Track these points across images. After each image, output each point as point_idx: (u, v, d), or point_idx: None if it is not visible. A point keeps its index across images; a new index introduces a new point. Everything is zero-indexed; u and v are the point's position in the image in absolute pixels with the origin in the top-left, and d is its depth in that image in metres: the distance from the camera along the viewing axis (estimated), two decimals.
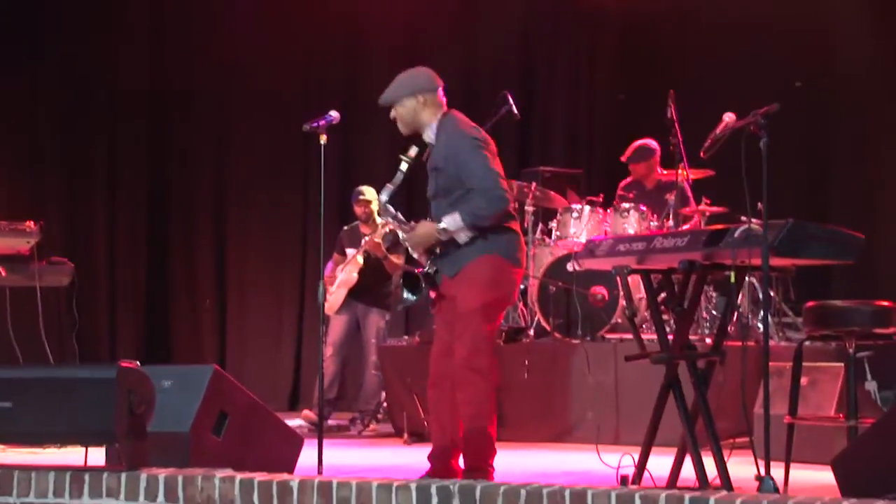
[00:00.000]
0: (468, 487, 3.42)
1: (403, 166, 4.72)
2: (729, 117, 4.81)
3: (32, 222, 6.96)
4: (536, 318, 7.65)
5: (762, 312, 7.46)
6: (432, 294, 4.73)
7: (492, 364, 4.67)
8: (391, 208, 4.84)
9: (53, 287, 7.24)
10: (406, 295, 4.74)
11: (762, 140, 4.08)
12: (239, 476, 3.81)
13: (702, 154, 4.79)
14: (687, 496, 3.17)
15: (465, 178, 4.64)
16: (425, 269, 4.70)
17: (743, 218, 4.17)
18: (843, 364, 5.83)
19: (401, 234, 4.97)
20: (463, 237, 4.65)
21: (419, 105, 4.73)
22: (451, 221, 4.62)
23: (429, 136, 4.80)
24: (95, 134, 10.01)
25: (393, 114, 4.78)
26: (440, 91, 4.81)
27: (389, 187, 4.75)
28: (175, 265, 10.27)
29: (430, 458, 4.80)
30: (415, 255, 4.84)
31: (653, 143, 8.04)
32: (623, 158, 8.11)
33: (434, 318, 4.96)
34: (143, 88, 10.12)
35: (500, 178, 4.66)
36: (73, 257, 7.59)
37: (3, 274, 6.84)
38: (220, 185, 10.29)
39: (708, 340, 6.79)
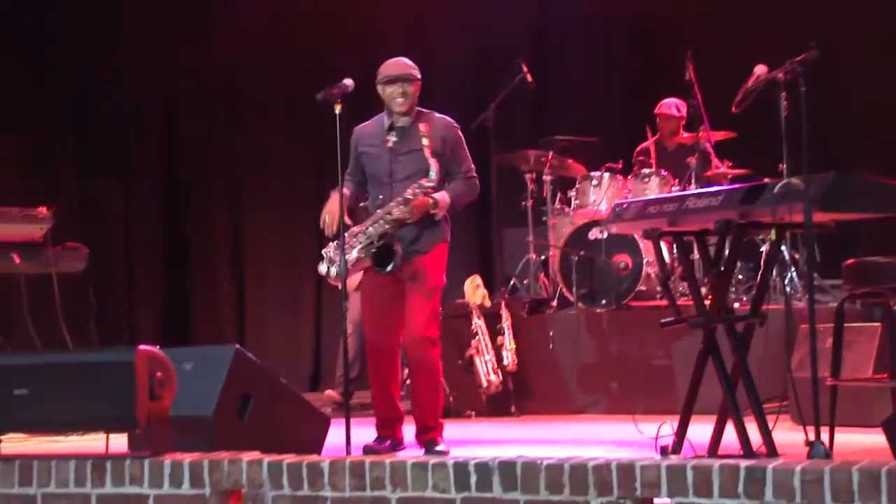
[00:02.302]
0: (508, 464, 3.28)
1: None
2: (760, 69, 4.64)
3: (45, 208, 6.78)
4: (559, 289, 7.50)
5: (790, 274, 7.34)
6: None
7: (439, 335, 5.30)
8: None
9: (70, 273, 7.05)
10: (377, 267, 5.14)
11: (801, 89, 3.88)
12: (267, 459, 3.67)
13: (733, 108, 4.63)
14: (742, 465, 3.01)
15: (455, 163, 5.21)
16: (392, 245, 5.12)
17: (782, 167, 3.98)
18: (879, 324, 5.68)
19: (396, 210, 5.16)
20: (440, 215, 5.16)
21: (418, 91, 5.24)
22: (441, 197, 5.12)
23: (408, 120, 5.22)
24: (110, 117, 9.86)
25: (402, 89, 5.18)
26: None
27: None
28: (192, 246, 10.14)
29: (378, 427, 5.32)
30: (387, 228, 5.15)
31: (680, 105, 7.87)
32: (656, 111, 7.97)
33: (371, 292, 5.34)
34: (155, 74, 9.96)
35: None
36: (88, 242, 7.42)
37: (18, 261, 6.66)
38: (234, 164, 10.14)
39: (737, 305, 6.65)
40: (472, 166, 5.33)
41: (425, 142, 5.10)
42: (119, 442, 4.23)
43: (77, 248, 7.04)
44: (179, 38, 9.94)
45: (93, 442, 4.55)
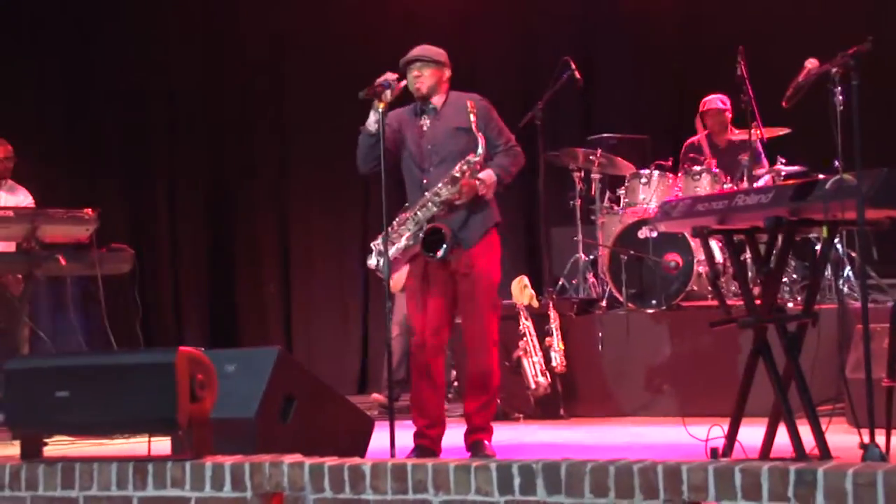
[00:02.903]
0: (552, 466, 3.21)
1: None
2: (811, 63, 4.52)
3: (90, 209, 6.79)
4: (608, 289, 7.41)
5: (844, 272, 7.18)
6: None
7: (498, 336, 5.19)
8: None
9: (115, 274, 7.08)
10: (427, 253, 4.95)
11: (854, 82, 3.77)
12: (308, 461, 3.63)
13: (783, 104, 4.51)
14: (791, 468, 2.91)
15: (492, 136, 5.10)
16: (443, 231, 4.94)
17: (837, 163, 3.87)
18: None
19: (444, 190, 5.04)
20: (489, 195, 5.05)
21: (445, 76, 5.19)
22: (487, 176, 5.02)
23: (437, 102, 5.17)
24: (155, 120, 9.92)
25: (417, 72, 5.14)
26: None
27: None
28: (238, 249, 10.17)
29: (424, 431, 5.14)
30: (435, 211, 5.01)
31: (725, 99, 7.76)
32: (701, 108, 7.88)
33: (418, 282, 5.13)
34: (200, 71, 10.00)
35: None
36: (135, 244, 7.45)
37: (63, 263, 6.68)
38: (280, 166, 10.15)
39: (791, 304, 6.52)
40: (512, 136, 5.22)
41: (472, 118, 5.01)
42: (163, 444, 4.22)
43: (122, 249, 7.04)
44: (221, 36, 9.97)
45: (137, 444, 4.55)
